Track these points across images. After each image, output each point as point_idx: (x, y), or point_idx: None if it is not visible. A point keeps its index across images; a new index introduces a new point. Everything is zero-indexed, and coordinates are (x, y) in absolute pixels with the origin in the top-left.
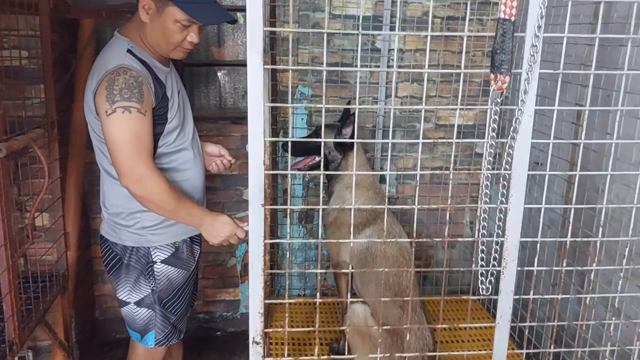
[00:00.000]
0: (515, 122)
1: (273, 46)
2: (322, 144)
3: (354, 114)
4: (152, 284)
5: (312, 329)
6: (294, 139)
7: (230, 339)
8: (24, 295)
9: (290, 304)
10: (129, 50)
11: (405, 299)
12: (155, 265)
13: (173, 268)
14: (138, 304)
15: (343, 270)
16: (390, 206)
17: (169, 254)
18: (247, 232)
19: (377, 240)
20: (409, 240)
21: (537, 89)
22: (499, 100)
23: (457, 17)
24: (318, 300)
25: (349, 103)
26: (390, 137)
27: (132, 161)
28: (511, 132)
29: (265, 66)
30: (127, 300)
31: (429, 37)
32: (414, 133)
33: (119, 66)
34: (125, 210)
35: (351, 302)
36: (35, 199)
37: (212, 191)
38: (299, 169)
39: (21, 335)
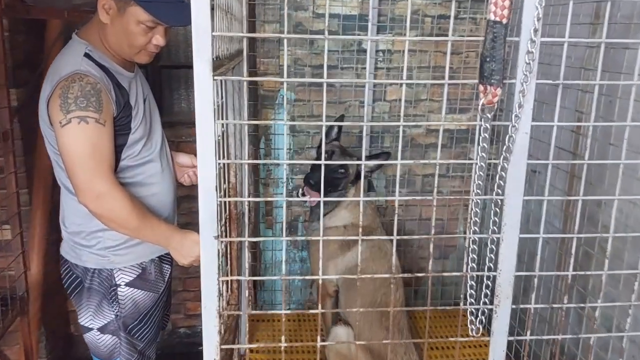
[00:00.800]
0: (509, 141)
1: (253, 48)
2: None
3: (388, 152)
4: (116, 309)
5: (278, 344)
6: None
7: None
8: None
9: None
10: (86, 54)
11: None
12: (119, 289)
13: (139, 291)
14: (101, 330)
15: (311, 309)
16: (364, 237)
17: (135, 276)
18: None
19: (351, 276)
20: (388, 276)
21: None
22: (489, 115)
23: (449, 16)
24: (283, 345)
25: (342, 117)
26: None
27: (89, 176)
28: (503, 152)
29: (216, 77)
30: (89, 326)
31: (406, 43)
32: (403, 139)
33: (74, 72)
34: (85, 229)
35: (333, 325)
36: None
37: (194, 200)
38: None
39: None
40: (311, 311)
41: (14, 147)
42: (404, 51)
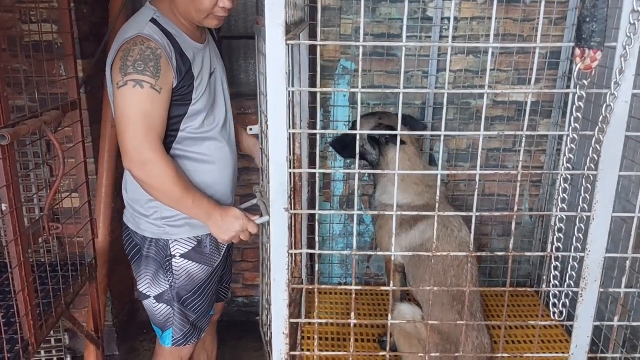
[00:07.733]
0: (606, 110)
1: (313, 16)
2: (358, 137)
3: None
4: (170, 279)
5: (347, 320)
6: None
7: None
8: (51, 283)
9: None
10: (153, 19)
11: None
12: (173, 260)
13: (193, 263)
14: (157, 298)
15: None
16: (442, 212)
17: (190, 248)
18: (259, 226)
19: (423, 254)
20: (464, 254)
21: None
22: (585, 82)
23: None
24: (353, 321)
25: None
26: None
27: (137, 142)
28: (599, 123)
29: (288, 42)
30: (147, 293)
31: (494, 3)
32: (468, 110)
33: (136, 35)
34: (143, 197)
35: (397, 302)
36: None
37: (252, 171)
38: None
39: (37, 335)
40: (383, 287)
41: (81, 117)
42: (471, 18)
